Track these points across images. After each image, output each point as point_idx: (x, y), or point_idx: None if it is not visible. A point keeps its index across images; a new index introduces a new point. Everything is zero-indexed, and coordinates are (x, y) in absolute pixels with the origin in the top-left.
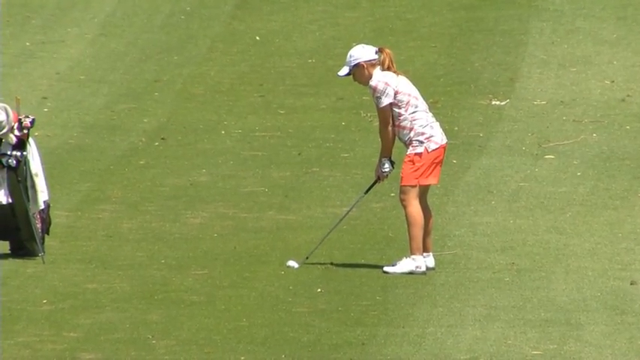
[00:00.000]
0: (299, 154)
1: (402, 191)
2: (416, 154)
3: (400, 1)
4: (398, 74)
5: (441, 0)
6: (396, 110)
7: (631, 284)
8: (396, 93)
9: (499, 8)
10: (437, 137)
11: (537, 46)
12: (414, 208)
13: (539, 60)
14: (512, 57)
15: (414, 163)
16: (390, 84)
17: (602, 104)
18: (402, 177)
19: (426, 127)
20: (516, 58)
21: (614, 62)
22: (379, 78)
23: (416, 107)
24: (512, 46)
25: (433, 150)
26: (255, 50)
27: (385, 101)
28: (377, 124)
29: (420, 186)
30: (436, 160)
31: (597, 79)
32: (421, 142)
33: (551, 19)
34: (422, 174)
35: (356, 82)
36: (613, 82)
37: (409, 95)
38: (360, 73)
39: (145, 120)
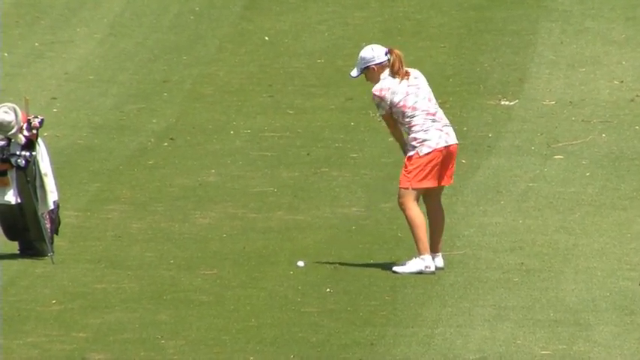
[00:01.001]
0: (308, 154)
1: (399, 194)
2: (408, 157)
3: (409, 2)
4: (404, 77)
5: (449, 0)
6: (394, 116)
7: None
8: (391, 106)
9: (508, 8)
10: (431, 141)
11: (546, 46)
12: (412, 211)
13: (548, 60)
14: (521, 57)
15: (406, 167)
16: (385, 98)
17: (611, 104)
18: (399, 179)
19: (419, 132)
20: (525, 58)
21: (623, 62)
22: (379, 87)
23: (412, 116)
24: (521, 47)
25: (426, 154)
26: (264, 50)
27: (381, 112)
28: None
29: (426, 188)
30: (431, 164)
31: (606, 79)
32: (414, 147)
33: (560, 19)
34: (414, 177)
35: (367, 82)
36: (622, 82)
37: (404, 107)
38: (370, 75)
39: (154, 120)
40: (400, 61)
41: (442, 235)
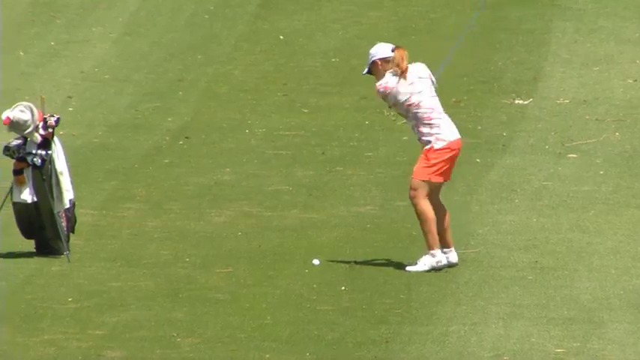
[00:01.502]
0: (323, 153)
1: (413, 186)
2: (427, 149)
3: (423, 1)
4: (403, 76)
5: None
6: (399, 112)
7: None
8: (395, 104)
9: (522, 7)
10: (444, 134)
11: (560, 45)
12: (424, 205)
13: (562, 59)
14: (535, 56)
15: (428, 159)
16: (389, 97)
17: (624, 103)
18: (414, 171)
19: (432, 127)
20: (539, 57)
21: (637, 61)
22: (383, 83)
23: (419, 113)
24: (535, 46)
25: (442, 148)
26: (279, 49)
27: (390, 102)
28: (400, 123)
29: (432, 183)
30: (449, 158)
31: (620, 78)
32: (429, 142)
33: (574, 18)
34: (435, 171)
35: None
36: (635, 80)
37: (411, 105)
38: (375, 70)
39: (170, 119)
40: (402, 58)
41: (450, 229)
